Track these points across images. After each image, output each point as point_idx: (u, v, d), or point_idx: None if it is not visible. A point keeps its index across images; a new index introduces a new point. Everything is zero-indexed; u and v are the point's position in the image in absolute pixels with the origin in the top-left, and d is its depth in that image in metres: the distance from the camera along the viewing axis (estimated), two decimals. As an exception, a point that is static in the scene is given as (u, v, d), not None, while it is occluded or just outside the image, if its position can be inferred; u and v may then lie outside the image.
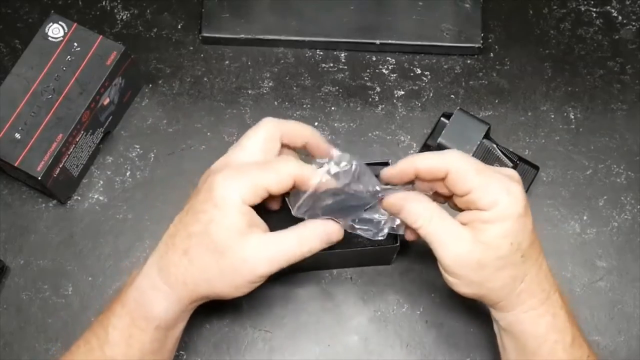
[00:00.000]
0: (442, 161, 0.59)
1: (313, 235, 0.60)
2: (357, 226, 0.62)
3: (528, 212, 0.59)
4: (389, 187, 0.61)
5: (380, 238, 0.63)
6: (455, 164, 0.58)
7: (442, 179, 0.59)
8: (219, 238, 0.57)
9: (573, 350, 0.61)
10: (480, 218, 0.58)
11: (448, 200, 0.63)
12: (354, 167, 0.59)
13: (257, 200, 0.58)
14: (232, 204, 0.57)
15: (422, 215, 0.59)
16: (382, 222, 0.62)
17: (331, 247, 0.64)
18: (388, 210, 0.62)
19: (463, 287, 0.60)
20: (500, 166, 0.76)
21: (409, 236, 0.64)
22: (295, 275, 0.75)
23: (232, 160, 0.61)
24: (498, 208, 0.57)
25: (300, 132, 0.63)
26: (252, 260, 0.58)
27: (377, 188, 0.61)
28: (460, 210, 0.61)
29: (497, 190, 0.57)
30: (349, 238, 0.67)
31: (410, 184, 0.62)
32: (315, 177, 0.58)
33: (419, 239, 0.61)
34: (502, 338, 0.64)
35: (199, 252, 0.58)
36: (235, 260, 0.57)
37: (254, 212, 0.59)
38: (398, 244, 0.68)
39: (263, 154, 0.61)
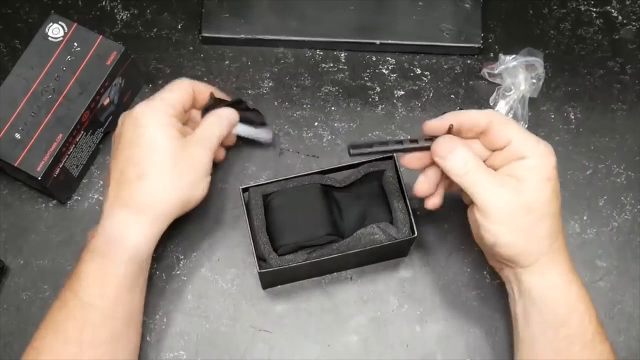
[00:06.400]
0: (484, 115, 0.63)
1: (221, 119, 0.72)
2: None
3: None
4: None
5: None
6: (497, 117, 0.62)
7: (481, 133, 0.63)
8: (166, 151, 0.66)
9: (598, 325, 0.63)
10: (524, 165, 0.61)
11: None
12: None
13: (175, 112, 0.68)
14: (162, 123, 0.66)
15: (469, 162, 0.61)
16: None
17: (350, 247, 0.68)
18: (435, 155, 0.63)
19: (508, 236, 0.61)
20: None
21: (422, 187, 0.66)
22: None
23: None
24: (539, 154, 0.61)
25: (203, 87, 0.73)
26: (197, 153, 0.68)
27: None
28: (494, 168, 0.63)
29: (535, 140, 0.62)
30: (368, 237, 0.68)
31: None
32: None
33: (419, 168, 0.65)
34: (528, 314, 0.63)
35: (153, 170, 0.65)
36: (188, 160, 0.67)
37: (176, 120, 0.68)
38: (416, 235, 0.69)
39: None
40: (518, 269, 0.63)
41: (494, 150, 0.64)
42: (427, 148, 0.64)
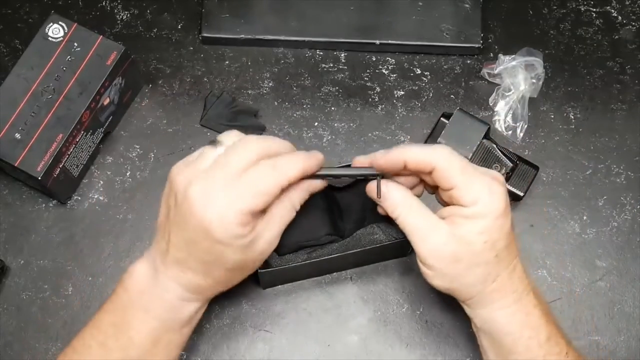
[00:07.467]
0: (429, 157, 0.60)
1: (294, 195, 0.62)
2: None
3: (508, 214, 0.60)
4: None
5: None
6: (442, 161, 0.59)
7: (429, 173, 0.61)
8: (229, 261, 0.59)
9: (549, 347, 0.61)
10: (460, 213, 0.59)
11: (434, 191, 0.64)
12: None
13: (264, 204, 0.58)
14: (235, 235, 0.57)
15: (401, 205, 0.61)
16: None
17: (350, 247, 0.68)
18: (369, 195, 0.63)
19: (436, 280, 0.61)
20: (500, 166, 0.76)
21: (381, 210, 0.65)
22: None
23: (216, 179, 0.57)
24: (478, 206, 0.58)
25: (282, 148, 0.60)
26: (266, 252, 0.61)
27: None
28: (444, 203, 0.62)
29: (479, 189, 0.59)
30: (368, 237, 0.68)
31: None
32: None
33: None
34: (480, 337, 0.64)
35: (219, 273, 0.61)
36: (253, 259, 0.61)
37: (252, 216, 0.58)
38: None
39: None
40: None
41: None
42: (362, 177, 0.64)
